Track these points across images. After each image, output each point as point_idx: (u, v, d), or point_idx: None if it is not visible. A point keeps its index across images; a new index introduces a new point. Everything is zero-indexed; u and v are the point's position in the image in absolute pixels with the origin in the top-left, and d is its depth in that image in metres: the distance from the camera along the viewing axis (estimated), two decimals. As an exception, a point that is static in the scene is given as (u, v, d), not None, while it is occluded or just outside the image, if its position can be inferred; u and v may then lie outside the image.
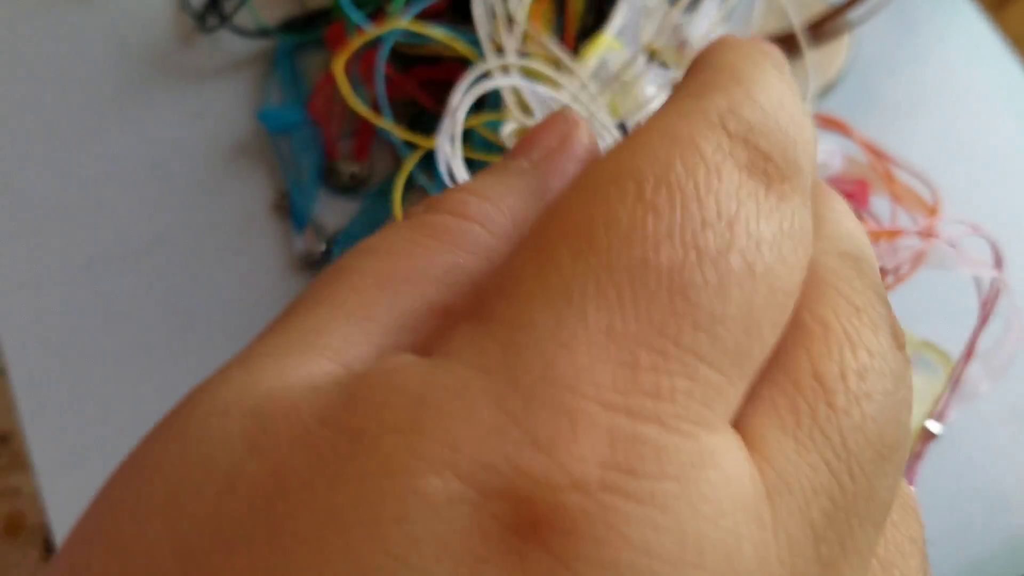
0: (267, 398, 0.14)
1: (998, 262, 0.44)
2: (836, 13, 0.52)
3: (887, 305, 0.16)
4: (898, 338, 0.16)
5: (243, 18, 0.51)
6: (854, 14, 0.52)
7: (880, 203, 0.49)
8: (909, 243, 0.42)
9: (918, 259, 0.42)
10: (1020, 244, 0.46)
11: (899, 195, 0.47)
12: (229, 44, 0.52)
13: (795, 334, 0.15)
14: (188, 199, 0.48)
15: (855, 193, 0.47)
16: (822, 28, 0.52)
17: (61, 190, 0.48)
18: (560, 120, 0.20)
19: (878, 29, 0.54)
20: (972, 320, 0.46)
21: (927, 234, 0.42)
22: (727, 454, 0.13)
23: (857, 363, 0.14)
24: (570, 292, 0.13)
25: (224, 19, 0.50)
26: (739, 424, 0.14)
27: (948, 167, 0.48)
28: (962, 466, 0.46)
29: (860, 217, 0.46)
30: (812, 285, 0.15)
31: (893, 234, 0.44)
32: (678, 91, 0.16)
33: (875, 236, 0.45)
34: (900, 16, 0.57)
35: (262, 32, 0.51)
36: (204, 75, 0.52)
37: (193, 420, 0.14)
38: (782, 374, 0.14)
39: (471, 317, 0.14)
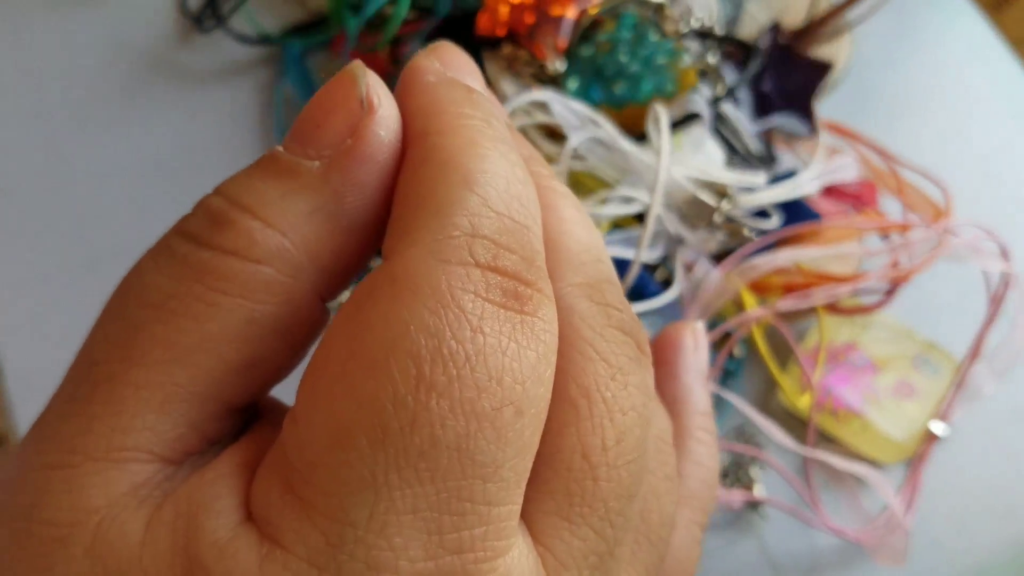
0: (103, 537, 0.15)
1: (1006, 260, 0.44)
2: (836, 12, 0.52)
3: (631, 327, 0.19)
4: (640, 347, 0.19)
5: (241, 22, 0.51)
6: (853, 13, 0.52)
7: (889, 203, 0.48)
8: (922, 236, 0.42)
9: (933, 253, 0.42)
10: (1022, 244, 0.46)
11: (910, 201, 0.47)
12: (229, 46, 0.51)
13: (563, 409, 0.17)
14: (190, 198, 0.47)
15: (863, 194, 0.47)
16: (823, 26, 0.51)
17: (61, 190, 0.47)
18: (350, 98, 0.18)
19: (877, 30, 0.54)
20: (976, 322, 0.46)
21: (940, 229, 0.42)
22: (518, 564, 0.16)
23: (615, 430, 0.18)
24: (376, 483, 0.15)
25: (221, 20, 0.50)
26: (526, 515, 0.17)
27: (947, 166, 0.48)
28: (966, 467, 0.46)
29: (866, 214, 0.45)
30: (570, 343, 0.18)
31: (904, 227, 0.43)
32: (410, 199, 0.17)
33: (887, 230, 0.45)
34: (899, 17, 0.56)
35: (264, 39, 0.51)
36: (205, 76, 0.51)
37: (31, 545, 0.15)
38: (557, 457, 0.17)
39: (290, 496, 0.15)
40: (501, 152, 0.18)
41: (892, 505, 0.40)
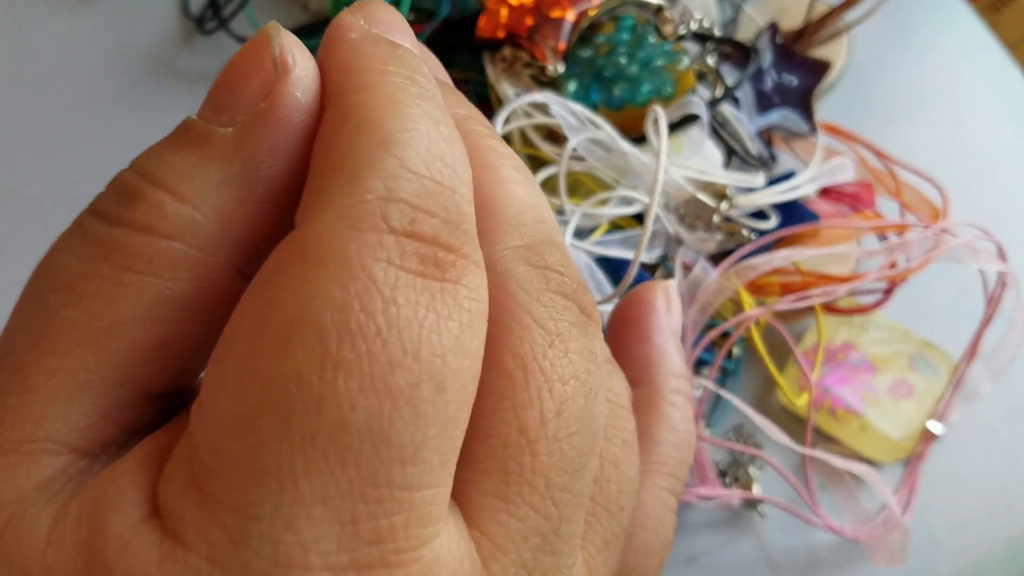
0: (11, 534, 0.14)
1: (1003, 260, 0.44)
2: (834, 14, 0.52)
3: (572, 291, 0.18)
4: (584, 310, 0.18)
5: (242, 26, 0.51)
6: (851, 16, 0.52)
7: (887, 204, 0.49)
8: (919, 236, 0.42)
9: (930, 253, 0.42)
10: (1018, 245, 0.46)
11: (907, 202, 0.47)
12: (231, 47, 0.51)
13: (498, 382, 0.16)
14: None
15: (860, 195, 0.47)
16: (821, 28, 0.52)
17: (61, 190, 0.47)
18: (264, 59, 0.17)
19: (874, 32, 0.54)
20: (973, 322, 0.46)
21: (937, 229, 0.42)
22: (447, 551, 0.15)
23: (555, 402, 0.16)
24: (281, 472, 0.13)
25: (222, 22, 0.50)
26: (460, 497, 0.16)
27: (944, 169, 0.48)
28: (964, 466, 0.46)
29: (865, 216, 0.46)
30: (505, 311, 0.17)
31: (902, 228, 0.44)
32: (324, 162, 0.16)
33: (884, 230, 0.45)
34: (896, 19, 0.57)
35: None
36: (206, 78, 0.52)
37: None
38: (492, 433, 0.16)
39: (193, 489, 0.14)
40: (424, 110, 0.16)
41: (890, 504, 0.40)
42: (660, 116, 0.39)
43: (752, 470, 0.43)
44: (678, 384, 0.24)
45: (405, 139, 0.16)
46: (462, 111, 0.19)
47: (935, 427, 0.45)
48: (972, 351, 0.46)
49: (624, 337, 0.25)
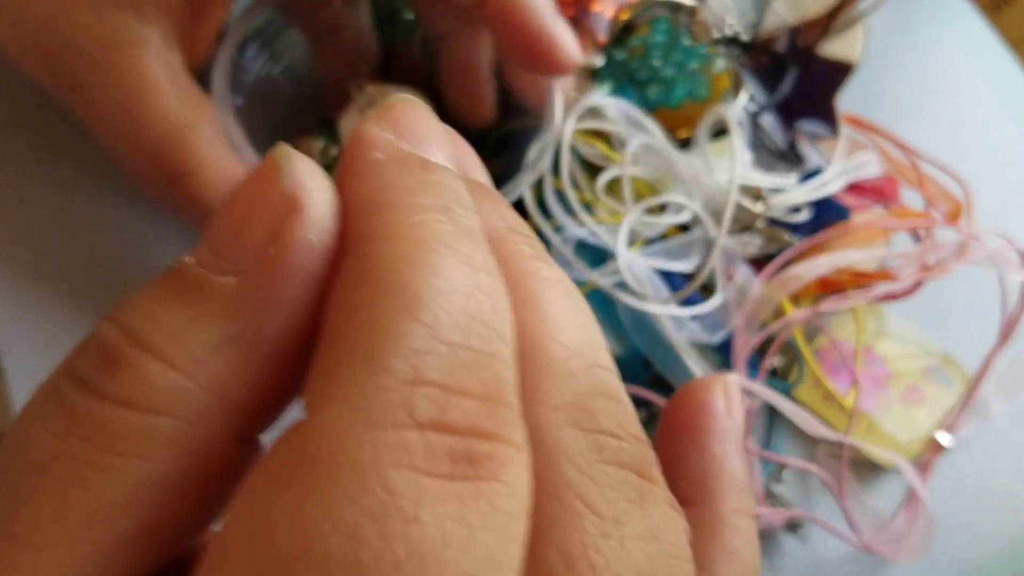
0: None
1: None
2: (848, 3, 0.51)
3: (630, 456, 0.15)
4: (644, 474, 0.15)
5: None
6: (863, 5, 0.51)
7: (910, 196, 0.48)
8: (949, 238, 0.42)
9: (958, 252, 0.42)
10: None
11: (930, 195, 0.47)
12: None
13: None
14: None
15: (884, 188, 0.46)
16: (836, 18, 0.51)
17: (61, 189, 0.44)
18: (272, 192, 0.14)
19: (877, 30, 0.54)
20: (992, 331, 0.45)
21: (965, 230, 0.42)
22: None
23: None
24: None
25: None
26: None
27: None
28: (971, 478, 0.46)
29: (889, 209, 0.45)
30: (550, 492, 0.14)
31: (928, 220, 0.43)
32: (340, 330, 0.13)
33: (902, 217, 0.45)
34: (899, 18, 0.56)
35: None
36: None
37: None
38: None
39: None
40: (461, 254, 0.14)
41: (918, 490, 0.40)
42: (734, 136, 0.38)
43: (774, 486, 0.42)
44: (739, 502, 0.21)
45: (436, 300, 0.13)
46: (501, 224, 0.16)
47: (944, 438, 0.45)
48: (985, 368, 0.45)
49: (676, 444, 0.21)
